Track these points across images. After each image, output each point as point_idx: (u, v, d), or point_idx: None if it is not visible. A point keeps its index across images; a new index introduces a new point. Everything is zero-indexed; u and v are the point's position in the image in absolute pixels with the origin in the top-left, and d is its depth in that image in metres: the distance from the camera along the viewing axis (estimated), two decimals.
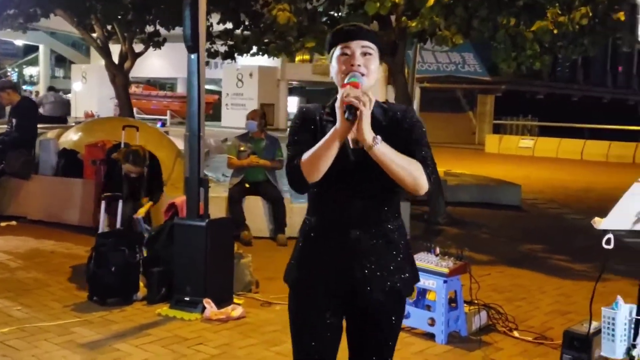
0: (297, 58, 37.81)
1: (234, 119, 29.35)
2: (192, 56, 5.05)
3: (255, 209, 8.12)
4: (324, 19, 8.18)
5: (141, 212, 6.43)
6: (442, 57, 28.68)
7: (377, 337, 2.41)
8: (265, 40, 8.61)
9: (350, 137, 2.19)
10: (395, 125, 2.33)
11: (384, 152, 2.15)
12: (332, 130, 2.15)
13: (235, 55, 11.36)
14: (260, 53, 8.92)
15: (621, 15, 7.15)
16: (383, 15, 7.38)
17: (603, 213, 2.92)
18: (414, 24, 6.70)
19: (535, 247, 8.53)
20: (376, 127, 2.18)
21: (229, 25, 11.42)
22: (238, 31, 10.68)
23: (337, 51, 2.29)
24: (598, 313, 5.53)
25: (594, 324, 4.20)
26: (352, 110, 2.08)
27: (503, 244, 8.41)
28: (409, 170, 2.19)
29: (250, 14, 9.46)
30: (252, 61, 31.60)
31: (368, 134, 2.12)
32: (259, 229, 8.11)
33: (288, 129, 2.46)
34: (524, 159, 22.89)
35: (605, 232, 2.81)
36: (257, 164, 7.96)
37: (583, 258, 7.81)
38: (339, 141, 2.15)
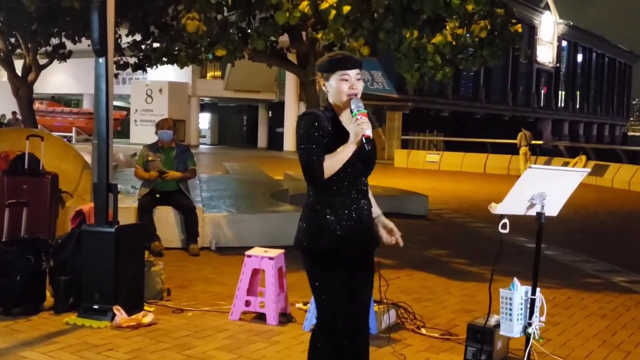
0: (209, 74, 37.68)
1: (143, 135, 28.83)
2: (100, 60, 5.01)
3: (166, 219, 8.04)
4: (234, 30, 8.23)
5: None
6: None
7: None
8: (176, 50, 8.56)
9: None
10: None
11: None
12: (349, 145, 2.93)
13: (146, 66, 11.22)
14: (170, 63, 8.87)
15: (518, 28, 7.56)
16: (293, 26, 7.51)
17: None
18: (319, 35, 6.86)
19: (441, 252, 8.84)
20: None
21: (138, 37, 11.28)
22: (147, 42, 10.57)
23: (337, 76, 3.01)
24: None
25: (495, 317, 4.42)
26: (368, 140, 2.93)
27: (411, 250, 8.64)
28: None
29: (160, 24, 9.39)
30: (162, 77, 31.40)
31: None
32: (170, 240, 8.03)
33: (300, 131, 3.02)
34: (431, 173, 23.59)
35: (502, 217, 3.00)
36: (168, 177, 7.85)
37: (486, 262, 8.16)
38: (351, 152, 2.94)
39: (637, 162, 23.89)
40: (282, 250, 5.44)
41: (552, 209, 2.99)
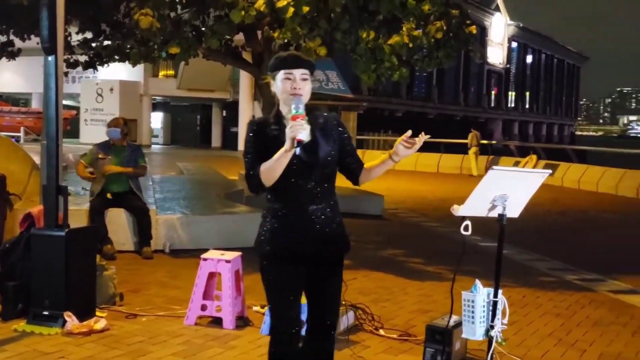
0: (161, 73, 37.14)
1: (94, 135, 28.25)
2: (50, 58, 4.84)
3: (118, 221, 7.86)
4: (188, 28, 8.08)
5: None
6: None
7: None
8: (128, 47, 8.35)
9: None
10: (330, 127, 3.06)
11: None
12: (283, 150, 2.78)
13: (97, 65, 10.96)
14: (122, 61, 8.64)
15: (473, 29, 7.61)
16: (248, 25, 7.41)
17: (460, 222, 3.10)
18: (276, 34, 6.78)
19: (397, 252, 8.85)
20: (315, 128, 2.93)
21: (89, 35, 11.01)
22: (99, 40, 10.32)
23: (281, 75, 2.94)
24: (460, 311, 5.83)
25: (454, 317, 4.42)
26: (300, 145, 2.77)
27: (368, 250, 8.64)
28: None
29: (111, 22, 9.16)
30: (113, 75, 30.81)
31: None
32: (122, 242, 7.86)
33: (245, 142, 3.01)
34: (386, 172, 23.36)
35: (463, 218, 2.97)
36: (111, 170, 7.66)
37: (441, 261, 8.21)
38: (289, 157, 2.81)
39: (586, 162, 24.46)
40: (239, 253, 5.35)
41: (514, 211, 2.98)
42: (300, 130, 2.72)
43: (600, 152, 24.79)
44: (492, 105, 55.66)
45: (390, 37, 6.95)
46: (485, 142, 27.22)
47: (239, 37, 9.16)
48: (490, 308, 3.18)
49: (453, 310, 4.03)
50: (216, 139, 39.50)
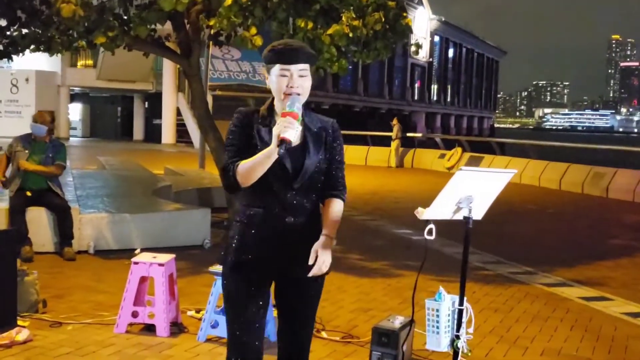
0: (80, 63, 35.82)
1: (9, 127, 27.00)
2: None
3: (38, 220, 7.39)
4: (112, 17, 7.66)
5: None
6: (233, 66, 28.72)
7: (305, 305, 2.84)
8: (48, 35, 7.84)
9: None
10: (320, 132, 2.71)
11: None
12: (267, 150, 2.47)
13: (11, 55, 10.31)
14: (42, 51, 8.11)
15: (409, 21, 7.53)
16: (176, 13, 7.08)
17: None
18: (212, 23, 6.48)
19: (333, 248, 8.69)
20: (308, 132, 2.64)
21: (3, 23, 10.36)
22: (14, 28, 9.69)
23: (277, 70, 2.58)
24: (399, 308, 5.72)
25: (400, 318, 4.29)
26: (284, 145, 2.43)
27: None
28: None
29: (28, 10, 8.59)
30: (28, 65, 29.48)
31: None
32: (42, 243, 7.40)
33: (227, 132, 2.66)
34: None
35: (427, 222, 2.81)
36: (23, 167, 7.22)
37: (376, 256, 8.12)
38: (272, 160, 2.49)
39: (505, 154, 25.03)
40: (172, 255, 5.07)
41: (478, 212, 2.84)
42: (288, 129, 2.41)
43: (520, 145, 25.39)
44: (416, 98, 56.53)
45: (329, 28, 6.77)
46: (410, 135, 27.52)
47: (162, 28, 8.80)
48: (455, 317, 3.02)
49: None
50: (138, 132, 38.52)
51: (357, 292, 6.41)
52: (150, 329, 4.83)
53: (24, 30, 8.38)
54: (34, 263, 6.72)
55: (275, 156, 2.47)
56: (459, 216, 2.86)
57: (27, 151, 7.27)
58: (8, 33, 9.89)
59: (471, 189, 2.76)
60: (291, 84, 2.57)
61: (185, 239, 8.06)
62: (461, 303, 2.94)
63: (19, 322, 4.76)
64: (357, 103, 46.25)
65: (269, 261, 2.66)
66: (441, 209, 2.80)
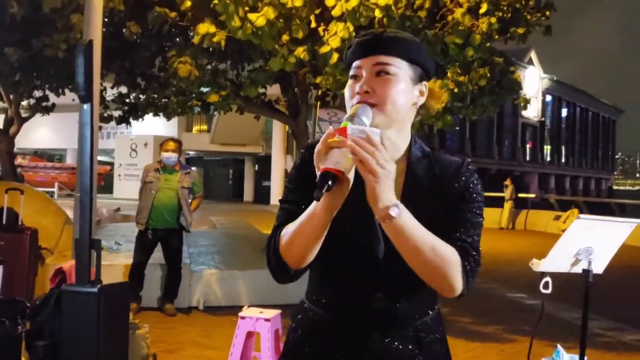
0: (195, 128, 37.52)
1: (127, 190, 28.41)
2: (85, 106, 4.66)
3: (149, 277, 7.57)
4: (224, 79, 7.99)
5: None
6: None
7: None
8: (164, 100, 8.28)
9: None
10: (441, 186, 1.66)
11: (405, 228, 1.45)
12: (322, 202, 1.46)
13: (131, 119, 10.95)
14: (159, 113, 8.54)
15: (518, 77, 7.39)
16: (285, 74, 7.28)
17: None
18: (318, 81, 6.59)
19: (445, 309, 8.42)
20: (410, 186, 1.62)
21: (124, 90, 11.03)
22: (134, 94, 10.33)
23: (350, 72, 1.67)
24: None
25: None
26: (326, 180, 1.38)
27: None
28: (439, 263, 1.51)
29: (147, 75, 9.13)
30: (147, 131, 31.14)
31: (381, 199, 1.40)
32: (147, 297, 7.55)
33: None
34: None
35: (543, 275, 2.64)
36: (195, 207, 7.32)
37: (488, 320, 7.78)
38: (327, 214, 1.47)
39: (628, 215, 23.77)
40: (278, 311, 5.04)
41: (599, 266, 2.66)
42: (330, 155, 1.40)
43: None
44: (528, 158, 55.09)
45: (435, 84, 6.71)
46: (523, 195, 26.70)
47: (272, 92, 9.07)
48: None
49: None
50: (248, 193, 39.51)
51: (469, 357, 6.13)
52: None
53: (142, 96, 8.88)
54: (145, 317, 6.88)
55: (326, 212, 1.46)
56: (578, 269, 2.67)
57: (157, 180, 7.23)
58: (127, 100, 10.54)
59: (591, 240, 2.59)
60: (362, 89, 1.60)
61: (293, 296, 7.99)
62: None
63: None
64: None
65: None
66: (558, 260, 2.62)
